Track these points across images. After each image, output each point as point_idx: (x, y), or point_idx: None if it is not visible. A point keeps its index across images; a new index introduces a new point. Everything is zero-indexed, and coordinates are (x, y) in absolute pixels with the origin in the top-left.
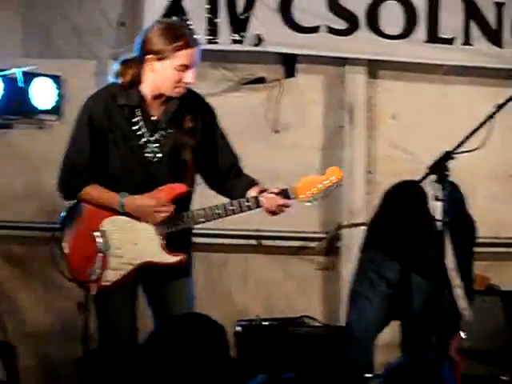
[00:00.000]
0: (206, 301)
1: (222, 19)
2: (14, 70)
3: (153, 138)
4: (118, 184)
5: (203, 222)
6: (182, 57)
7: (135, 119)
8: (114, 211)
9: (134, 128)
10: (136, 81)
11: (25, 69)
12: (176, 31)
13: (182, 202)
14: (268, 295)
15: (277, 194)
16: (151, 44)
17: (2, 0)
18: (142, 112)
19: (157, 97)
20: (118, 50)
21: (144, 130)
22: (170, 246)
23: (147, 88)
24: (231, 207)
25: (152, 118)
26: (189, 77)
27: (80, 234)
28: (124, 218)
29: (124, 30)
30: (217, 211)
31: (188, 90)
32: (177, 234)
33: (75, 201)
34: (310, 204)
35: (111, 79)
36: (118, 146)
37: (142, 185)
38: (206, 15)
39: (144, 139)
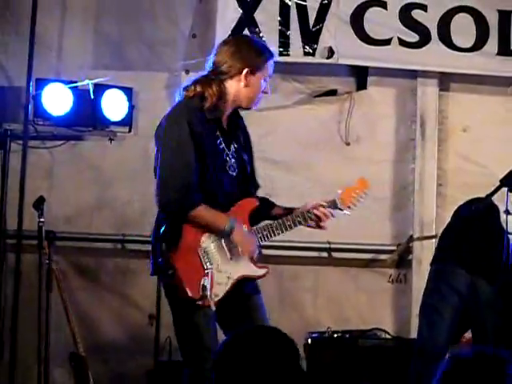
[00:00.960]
0: (277, 312)
1: (294, 31)
2: (85, 82)
3: (230, 153)
4: (208, 200)
5: (278, 234)
6: (269, 68)
7: (217, 133)
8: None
9: (217, 142)
10: (220, 96)
11: (96, 80)
12: (260, 43)
13: (254, 216)
14: (339, 307)
15: (327, 205)
16: (246, 58)
17: (73, 12)
18: (219, 128)
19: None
20: (190, 62)
21: (223, 145)
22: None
23: (229, 102)
24: (298, 219)
25: (227, 133)
26: (268, 88)
27: (184, 253)
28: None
29: (196, 42)
30: (288, 223)
31: None
32: None
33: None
34: (347, 213)
35: (180, 96)
36: (209, 162)
37: (224, 199)
38: (277, 27)
39: (225, 154)
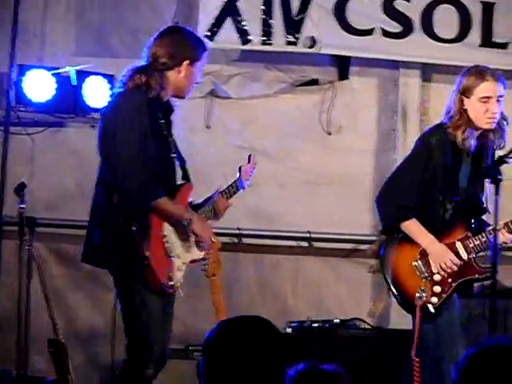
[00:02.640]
0: (257, 301)
1: (277, 20)
2: (67, 69)
3: (170, 140)
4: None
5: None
6: (205, 57)
7: (161, 121)
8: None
9: (161, 128)
10: (162, 85)
11: (78, 67)
12: (195, 35)
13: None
14: (319, 297)
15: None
16: (185, 50)
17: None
18: (162, 115)
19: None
20: None
21: (165, 131)
22: None
23: (168, 92)
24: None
25: (166, 120)
26: (200, 76)
27: (152, 241)
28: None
29: None
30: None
31: None
32: None
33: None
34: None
35: (122, 85)
36: (160, 149)
37: (170, 183)
38: (260, 16)
39: (167, 141)
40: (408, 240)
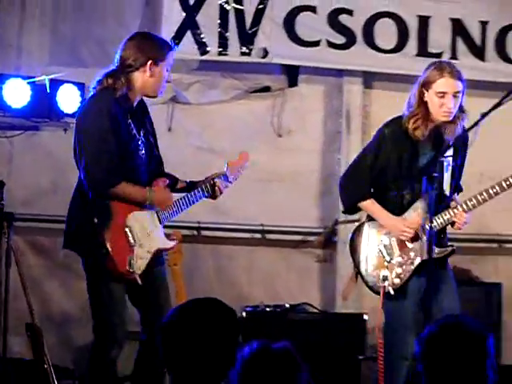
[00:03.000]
0: (214, 288)
1: (232, 33)
2: (42, 78)
3: (140, 138)
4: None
5: (185, 209)
6: (170, 59)
7: (129, 121)
8: (137, 205)
9: (129, 130)
10: (128, 87)
11: (52, 76)
12: (159, 37)
13: None
14: (271, 284)
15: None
16: (148, 51)
17: (31, 13)
18: (131, 115)
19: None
20: None
21: (135, 131)
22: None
23: (137, 92)
24: (198, 193)
25: (136, 119)
26: (170, 77)
27: (113, 230)
28: (140, 211)
29: None
30: (191, 198)
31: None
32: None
33: (103, 201)
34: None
35: (93, 90)
36: (126, 147)
37: (139, 179)
38: (217, 29)
39: (136, 140)
40: (374, 226)
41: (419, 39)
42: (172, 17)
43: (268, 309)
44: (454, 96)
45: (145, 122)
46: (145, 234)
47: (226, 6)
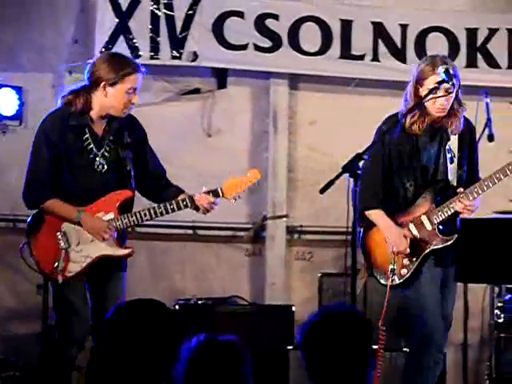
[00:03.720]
0: (149, 283)
1: (163, 38)
2: None
3: (100, 153)
4: (71, 194)
5: (148, 219)
6: (132, 81)
7: (85, 137)
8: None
9: (84, 145)
10: (86, 105)
11: None
12: (123, 59)
13: (128, 205)
14: (203, 278)
15: (208, 193)
16: (103, 72)
17: None
18: (89, 131)
19: (103, 117)
20: (73, 65)
21: (92, 146)
22: (119, 241)
23: (96, 110)
24: (171, 206)
25: (98, 135)
26: (136, 99)
27: (44, 235)
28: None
29: (78, 47)
30: (159, 210)
31: None
32: (123, 231)
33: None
34: (233, 202)
35: (60, 103)
36: (71, 161)
37: (93, 192)
38: (149, 34)
39: (92, 154)
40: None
41: (342, 42)
42: (105, 23)
43: (200, 302)
44: (447, 91)
45: (119, 138)
46: (87, 240)
47: (157, 11)
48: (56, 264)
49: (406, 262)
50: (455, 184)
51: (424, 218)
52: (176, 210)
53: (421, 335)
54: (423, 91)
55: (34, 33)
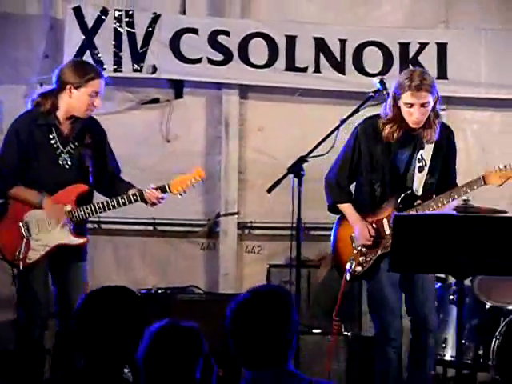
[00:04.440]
0: (113, 274)
1: (125, 53)
2: None
3: (65, 150)
4: (38, 185)
5: (101, 211)
6: (94, 85)
7: (51, 135)
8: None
9: (50, 142)
10: (53, 106)
11: None
12: (87, 66)
13: (86, 197)
14: (163, 270)
15: (156, 189)
16: (69, 77)
17: None
18: (56, 130)
19: (69, 118)
20: (43, 77)
21: (58, 144)
22: (76, 231)
23: (62, 111)
24: (122, 200)
25: (64, 134)
26: (98, 102)
27: (7, 224)
28: (41, 211)
29: (48, 61)
30: (111, 203)
31: None
32: (80, 222)
33: (1, 200)
34: (180, 196)
35: (30, 105)
36: (38, 156)
37: (56, 186)
38: (112, 49)
39: (58, 151)
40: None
41: (287, 56)
42: (72, 39)
43: (160, 291)
44: (422, 106)
45: (82, 137)
46: (45, 229)
47: (119, 29)
48: (17, 252)
49: (361, 259)
50: (420, 193)
51: (385, 222)
52: (127, 203)
53: (378, 328)
54: (400, 103)
55: (8, 48)
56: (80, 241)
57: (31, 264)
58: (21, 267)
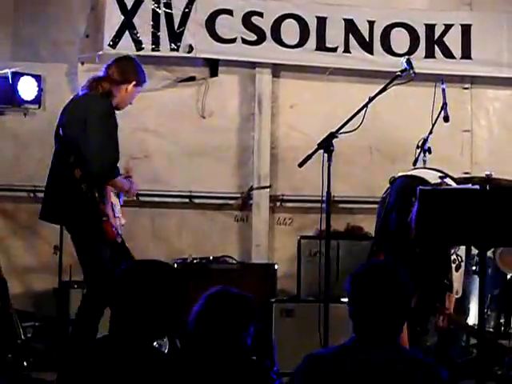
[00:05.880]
0: (151, 244)
1: (163, 32)
2: (5, 71)
3: None
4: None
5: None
6: (141, 88)
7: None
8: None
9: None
10: (108, 93)
11: (13, 69)
12: (142, 68)
13: None
14: (198, 240)
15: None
16: (134, 74)
17: None
18: None
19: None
20: (84, 56)
21: None
22: None
23: (115, 101)
24: None
25: None
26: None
27: (109, 204)
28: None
29: (89, 41)
30: None
31: None
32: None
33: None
34: None
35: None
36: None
37: None
38: (151, 30)
39: None
40: None
41: (318, 36)
42: (113, 20)
43: (195, 261)
44: None
45: None
46: (118, 208)
47: (157, 10)
48: (116, 229)
49: None
50: None
51: None
52: None
53: None
54: None
55: (51, 29)
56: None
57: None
58: (119, 241)
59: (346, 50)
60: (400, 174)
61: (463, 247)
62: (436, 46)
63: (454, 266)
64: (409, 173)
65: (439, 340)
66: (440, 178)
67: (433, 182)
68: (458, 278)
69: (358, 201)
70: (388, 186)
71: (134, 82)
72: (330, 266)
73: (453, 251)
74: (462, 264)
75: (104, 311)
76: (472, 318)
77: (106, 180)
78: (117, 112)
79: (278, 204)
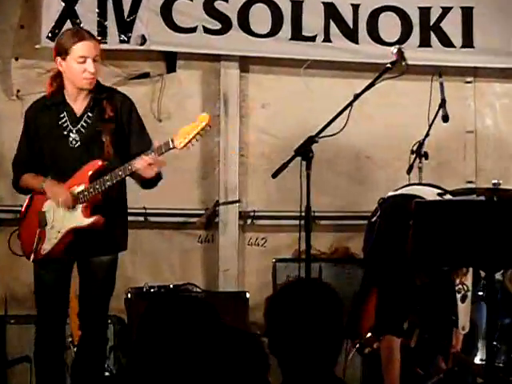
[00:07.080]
0: None
1: (110, 22)
2: None
3: (75, 129)
4: (49, 170)
5: (110, 184)
6: (78, 49)
7: (61, 115)
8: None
9: (59, 123)
10: (61, 84)
11: None
12: (73, 31)
13: (104, 173)
14: (155, 265)
15: (158, 147)
16: (57, 48)
17: None
18: (65, 108)
19: (79, 93)
20: (19, 50)
21: (68, 123)
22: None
23: (67, 87)
24: (120, 172)
25: (75, 112)
26: (90, 66)
27: (29, 218)
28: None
29: (24, 32)
30: (119, 172)
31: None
32: (96, 201)
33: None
34: (187, 149)
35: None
36: (48, 140)
37: (68, 168)
38: (96, 19)
39: (66, 131)
40: None
41: (293, 23)
42: (51, 7)
43: (152, 290)
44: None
45: (97, 112)
46: (59, 217)
47: None
48: (34, 244)
49: None
50: None
51: None
52: (123, 175)
53: None
54: None
55: None
56: (89, 220)
57: (46, 255)
58: (31, 259)
59: (327, 38)
60: (390, 193)
61: (470, 275)
62: (432, 33)
63: (459, 296)
64: (399, 192)
65: None
66: (439, 195)
67: (430, 199)
68: (464, 310)
69: (343, 216)
70: (376, 206)
71: (56, 58)
72: None
73: (458, 281)
74: (469, 294)
75: None
76: (479, 353)
77: (13, 186)
78: None
79: (249, 221)
